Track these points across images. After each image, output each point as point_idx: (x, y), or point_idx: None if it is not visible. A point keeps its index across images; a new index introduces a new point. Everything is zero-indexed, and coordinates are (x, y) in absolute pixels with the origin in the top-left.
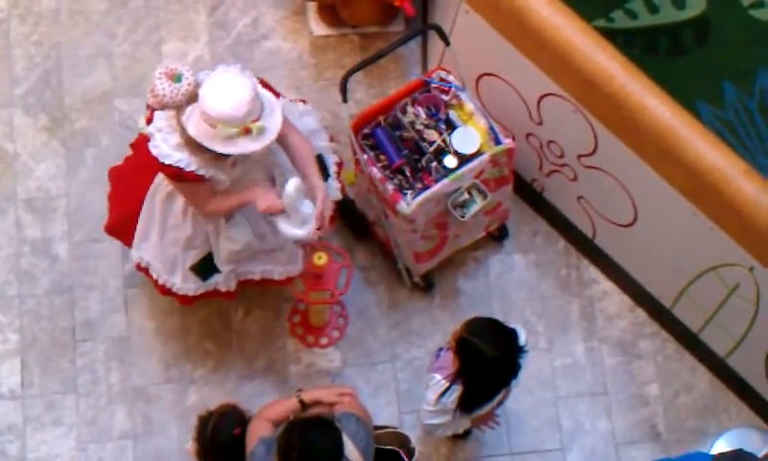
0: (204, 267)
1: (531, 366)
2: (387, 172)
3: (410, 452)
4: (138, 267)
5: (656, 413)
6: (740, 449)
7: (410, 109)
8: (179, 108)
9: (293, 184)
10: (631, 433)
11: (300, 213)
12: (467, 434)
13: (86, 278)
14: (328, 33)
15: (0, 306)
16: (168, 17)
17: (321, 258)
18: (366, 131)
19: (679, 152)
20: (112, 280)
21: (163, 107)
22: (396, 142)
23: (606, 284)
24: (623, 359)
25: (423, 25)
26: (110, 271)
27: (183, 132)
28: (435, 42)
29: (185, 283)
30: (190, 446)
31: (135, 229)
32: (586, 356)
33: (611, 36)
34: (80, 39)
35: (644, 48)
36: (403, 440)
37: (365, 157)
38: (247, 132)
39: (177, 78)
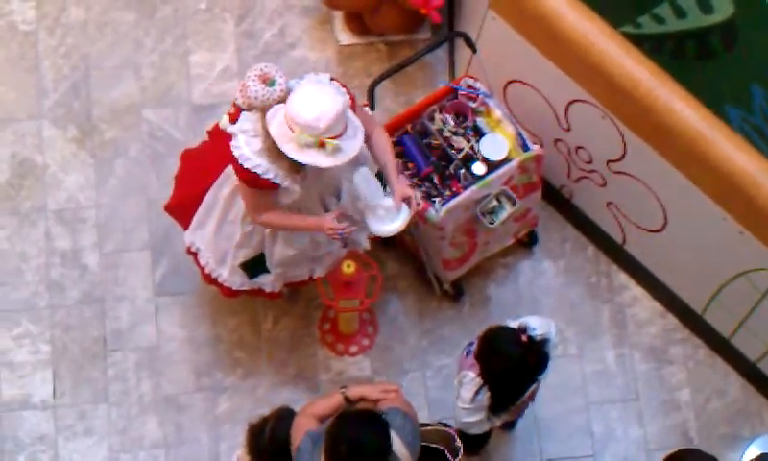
0: (254, 266)
1: (562, 373)
2: (415, 179)
3: (455, 451)
4: (188, 251)
5: (688, 419)
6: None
7: (438, 116)
8: (265, 111)
9: (360, 173)
10: (663, 439)
11: (386, 208)
12: (486, 437)
13: (116, 288)
14: (355, 41)
15: (31, 317)
16: (195, 27)
17: (349, 266)
18: (394, 139)
19: (708, 156)
20: (142, 290)
21: (251, 108)
22: (424, 150)
23: (636, 290)
24: (654, 365)
25: (450, 32)
26: (140, 281)
27: (266, 137)
28: (462, 50)
29: (232, 277)
30: (239, 457)
31: (194, 213)
32: (616, 362)
33: (638, 41)
34: (108, 51)
35: (672, 53)
36: (448, 438)
37: None
38: (321, 145)
39: (270, 82)
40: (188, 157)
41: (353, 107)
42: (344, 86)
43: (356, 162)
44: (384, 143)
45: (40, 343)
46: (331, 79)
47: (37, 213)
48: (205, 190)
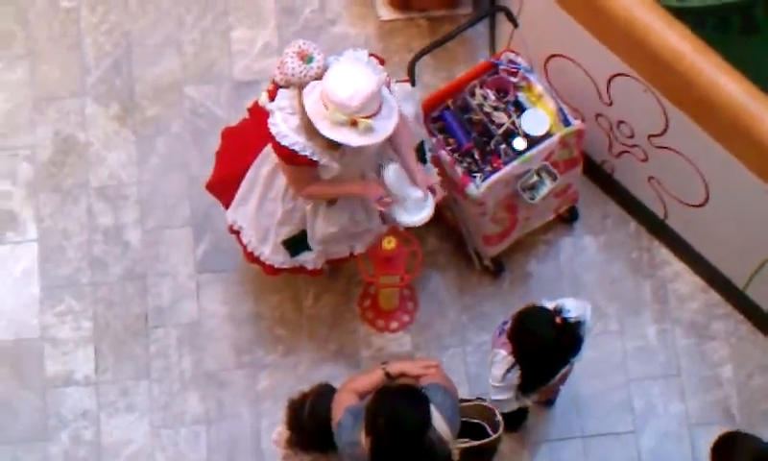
0: (296, 243)
1: (602, 349)
2: (456, 155)
3: (495, 426)
4: (231, 229)
5: (729, 395)
6: None
7: (478, 91)
8: (302, 89)
9: (391, 170)
10: (704, 415)
11: (413, 199)
12: (525, 413)
13: (158, 264)
14: (396, 17)
15: (73, 294)
16: (236, 4)
17: (390, 242)
18: (434, 114)
19: (751, 130)
20: (184, 267)
21: (288, 85)
22: (465, 125)
23: (678, 265)
24: (696, 341)
25: (491, 7)
26: (182, 258)
27: (303, 114)
28: (503, 24)
29: (274, 255)
30: (279, 434)
31: (235, 191)
32: (658, 338)
33: (681, 15)
34: (149, 28)
35: (715, 27)
36: (489, 413)
37: (434, 140)
38: (354, 124)
39: (308, 59)
40: (229, 134)
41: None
42: (381, 63)
43: (391, 144)
44: (406, 132)
45: (83, 320)
46: (370, 55)
47: (80, 190)
48: (246, 168)
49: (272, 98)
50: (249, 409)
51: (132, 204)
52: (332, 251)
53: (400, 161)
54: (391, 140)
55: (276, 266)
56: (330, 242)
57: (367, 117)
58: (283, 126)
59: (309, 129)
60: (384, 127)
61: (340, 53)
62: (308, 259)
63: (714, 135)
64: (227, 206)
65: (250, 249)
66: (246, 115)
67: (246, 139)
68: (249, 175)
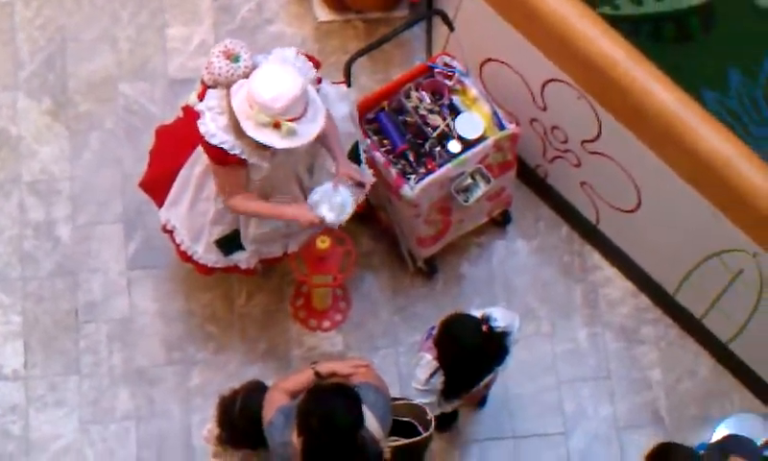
0: (229, 243)
1: (533, 351)
2: (390, 156)
3: (426, 424)
4: (164, 229)
5: (658, 398)
6: (733, 435)
7: (414, 93)
8: (230, 88)
9: (316, 195)
10: (633, 418)
11: (336, 202)
12: (455, 414)
13: (89, 260)
14: (332, 18)
15: (3, 288)
16: (172, 1)
17: (324, 242)
18: (370, 116)
19: (683, 138)
20: (115, 263)
21: (216, 85)
22: (400, 127)
23: (609, 270)
24: (626, 345)
25: (428, 10)
26: (113, 254)
27: (231, 113)
28: (439, 28)
29: (207, 254)
30: (209, 431)
31: (168, 190)
32: (588, 341)
33: (616, 22)
34: (84, 23)
35: (649, 35)
36: (419, 412)
37: (368, 141)
38: (277, 126)
39: (235, 58)
40: (163, 133)
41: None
42: (311, 60)
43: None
44: (331, 126)
45: (12, 314)
46: (305, 55)
47: (11, 184)
48: (179, 167)
49: (201, 98)
50: (179, 406)
51: (64, 199)
52: (266, 250)
53: (329, 153)
54: (320, 137)
55: (209, 265)
56: (263, 242)
57: (291, 120)
58: (212, 125)
59: (237, 128)
60: (308, 130)
61: (269, 51)
62: (242, 259)
63: (647, 142)
64: (160, 205)
65: (183, 248)
66: (180, 114)
67: (179, 139)
68: (181, 174)
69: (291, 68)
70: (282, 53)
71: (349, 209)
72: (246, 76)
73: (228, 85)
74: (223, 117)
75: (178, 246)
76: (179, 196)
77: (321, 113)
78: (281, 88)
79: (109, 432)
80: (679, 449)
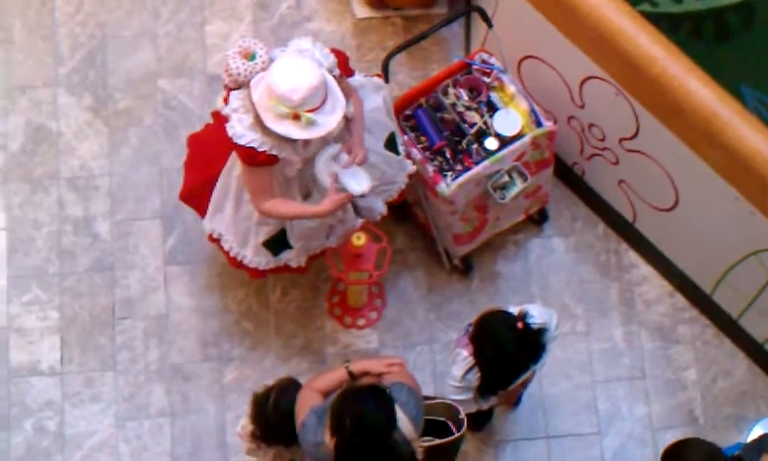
0: (276, 243)
1: (569, 350)
2: (427, 153)
3: (459, 424)
4: (210, 238)
5: (693, 398)
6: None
7: (451, 90)
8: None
9: (321, 161)
10: (668, 418)
11: (358, 173)
12: (490, 413)
13: (127, 256)
14: (371, 15)
15: (41, 284)
16: None
17: (359, 239)
18: (407, 112)
19: (721, 136)
20: (152, 259)
21: (239, 85)
22: (437, 124)
23: (645, 269)
24: (661, 344)
25: (466, 7)
26: (151, 250)
27: (254, 108)
28: (478, 24)
29: (256, 257)
30: (243, 427)
31: (209, 198)
32: (624, 341)
33: (655, 20)
34: (124, 19)
35: (689, 33)
36: (452, 411)
37: (405, 138)
38: (296, 118)
39: (251, 56)
40: (195, 141)
41: (344, 68)
42: (335, 52)
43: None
44: (356, 111)
45: (49, 310)
46: (332, 51)
47: (50, 180)
48: (216, 175)
49: (226, 102)
50: (214, 402)
51: (103, 195)
52: (313, 246)
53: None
54: (348, 123)
55: (260, 268)
56: (310, 237)
57: (309, 111)
58: (239, 127)
59: (261, 122)
60: (327, 122)
61: (285, 44)
62: (290, 257)
63: (685, 140)
64: (202, 214)
65: (232, 254)
66: (210, 120)
67: (212, 145)
68: (221, 180)
69: (309, 59)
70: (299, 43)
71: (368, 179)
72: (265, 70)
73: (249, 84)
74: (248, 116)
75: (227, 253)
76: (221, 203)
77: (340, 106)
78: (299, 80)
79: (144, 429)
80: (698, 442)
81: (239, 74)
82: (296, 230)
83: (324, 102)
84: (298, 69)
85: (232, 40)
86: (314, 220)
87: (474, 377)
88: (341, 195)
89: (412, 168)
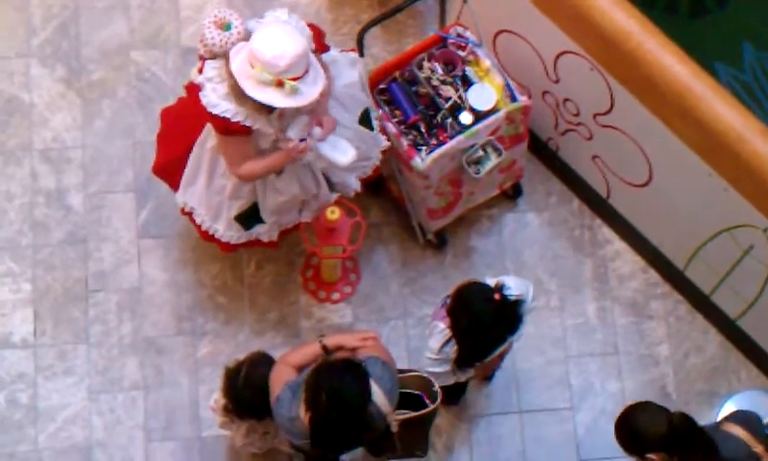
0: (249, 217)
1: (542, 325)
2: (402, 127)
3: (433, 396)
4: (183, 211)
5: (666, 374)
6: (740, 411)
7: (426, 64)
8: (227, 56)
9: (294, 132)
10: (640, 393)
11: (339, 143)
12: (464, 387)
13: (100, 229)
14: None
15: (13, 256)
16: None
17: (334, 213)
18: (382, 86)
19: (695, 112)
20: (126, 232)
21: (214, 56)
22: (412, 98)
23: (619, 245)
24: (634, 320)
25: None
26: (124, 222)
27: (231, 78)
28: None
29: (228, 231)
30: (216, 401)
31: (183, 172)
32: (597, 316)
33: None
34: None
35: (664, 8)
36: (426, 383)
37: (380, 112)
38: (279, 84)
39: (226, 26)
40: (168, 115)
41: (319, 44)
42: (311, 26)
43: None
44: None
45: (22, 282)
46: (308, 25)
47: (23, 152)
48: (189, 148)
49: (201, 73)
50: (187, 376)
51: (76, 167)
52: (285, 221)
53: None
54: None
55: (231, 242)
56: (282, 212)
57: (293, 79)
58: (213, 96)
59: (237, 92)
60: (310, 92)
61: (261, 15)
62: (262, 232)
63: (659, 116)
64: (175, 188)
65: (204, 228)
66: (183, 94)
67: (185, 118)
68: (193, 153)
69: (292, 28)
70: (275, 14)
71: (351, 147)
72: (240, 42)
73: (224, 55)
74: (222, 86)
75: (198, 227)
76: (193, 176)
77: (321, 78)
78: (284, 46)
79: (118, 402)
80: (645, 406)
81: (214, 44)
82: (268, 204)
83: (306, 72)
84: (283, 36)
85: (206, 12)
86: (287, 193)
87: (452, 350)
88: (299, 143)
89: (386, 144)
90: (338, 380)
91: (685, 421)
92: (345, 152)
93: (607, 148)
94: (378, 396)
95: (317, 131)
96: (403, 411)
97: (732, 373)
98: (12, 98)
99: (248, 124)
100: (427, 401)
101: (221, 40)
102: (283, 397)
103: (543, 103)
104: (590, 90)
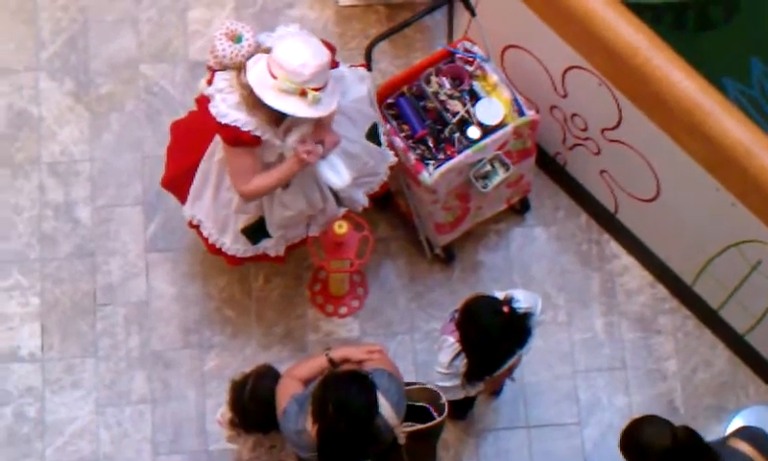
0: (255, 231)
1: (550, 340)
2: (410, 142)
3: (440, 409)
4: (190, 224)
5: (674, 389)
6: (747, 426)
7: (434, 79)
8: (239, 68)
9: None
10: (648, 408)
11: (337, 165)
12: (472, 402)
13: (108, 242)
14: (354, 2)
15: (21, 270)
16: None
17: (341, 227)
18: (389, 100)
19: (703, 127)
20: (134, 245)
21: (224, 67)
22: (420, 112)
23: (627, 259)
24: (642, 334)
25: None
26: (132, 236)
27: (243, 89)
28: (461, 13)
29: (235, 244)
30: (222, 414)
31: (189, 186)
32: (605, 331)
33: (638, 10)
34: (106, 4)
35: (672, 23)
36: (433, 396)
37: (388, 126)
38: (303, 94)
39: (237, 39)
40: (177, 128)
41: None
42: (327, 45)
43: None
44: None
45: (30, 295)
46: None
47: (31, 165)
48: (198, 161)
49: (210, 84)
50: (195, 390)
51: (84, 180)
52: (291, 235)
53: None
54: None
55: (238, 256)
56: (289, 227)
57: (315, 89)
58: (222, 105)
59: (249, 103)
60: (329, 102)
61: (272, 29)
62: (269, 246)
63: (667, 131)
64: (183, 201)
65: (211, 241)
66: (194, 108)
67: (195, 132)
68: (201, 167)
69: (315, 40)
70: (286, 30)
71: (347, 171)
72: (251, 54)
73: (235, 66)
74: (233, 96)
75: (206, 240)
76: (200, 189)
77: (338, 89)
78: (310, 56)
79: (125, 415)
80: (650, 420)
81: (225, 56)
82: (275, 218)
83: (326, 83)
84: (308, 47)
85: (214, 27)
86: (294, 208)
87: (461, 364)
88: (304, 146)
89: (393, 159)
90: (345, 392)
91: (690, 435)
92: (340, 174)
93: (615, 163)
94: (385, 408)
95: (319, 147)
96: (410, 423)
97: (740, 388)
98: (21, 111)
99: (258, 133)
100: (434, 414)
101: (231, 52)
102: (290, 410)
103: (551, 118)
104: (598, 105)
